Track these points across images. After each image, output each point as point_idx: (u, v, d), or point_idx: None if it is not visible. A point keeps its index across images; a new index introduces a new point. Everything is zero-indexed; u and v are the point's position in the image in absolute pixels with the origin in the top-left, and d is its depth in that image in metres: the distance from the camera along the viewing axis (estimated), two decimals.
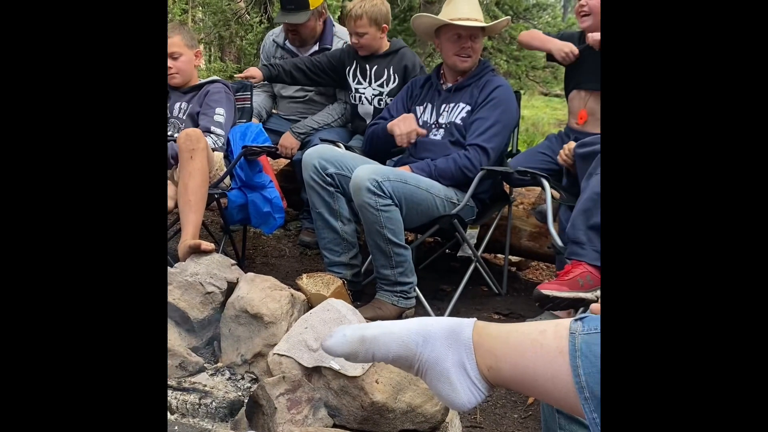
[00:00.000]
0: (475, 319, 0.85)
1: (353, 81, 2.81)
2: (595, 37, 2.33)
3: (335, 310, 1.64)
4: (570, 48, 2.43)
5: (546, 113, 9.29)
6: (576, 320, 0.78)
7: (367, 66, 2.79)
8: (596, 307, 0.99)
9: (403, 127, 2.26)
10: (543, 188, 1.85)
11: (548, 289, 1.67)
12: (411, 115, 2.35)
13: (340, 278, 2.06)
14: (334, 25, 2.99)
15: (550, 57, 2.64)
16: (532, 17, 5.68)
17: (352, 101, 2.85)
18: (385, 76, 2.76)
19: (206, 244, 1.83)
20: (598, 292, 1.54)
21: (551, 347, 0.76)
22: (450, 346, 0.82)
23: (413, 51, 2.97)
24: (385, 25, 2.72)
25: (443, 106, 2.39)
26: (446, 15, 2.33)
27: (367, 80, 2.79)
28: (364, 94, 2.80)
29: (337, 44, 2.93)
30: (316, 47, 2.92)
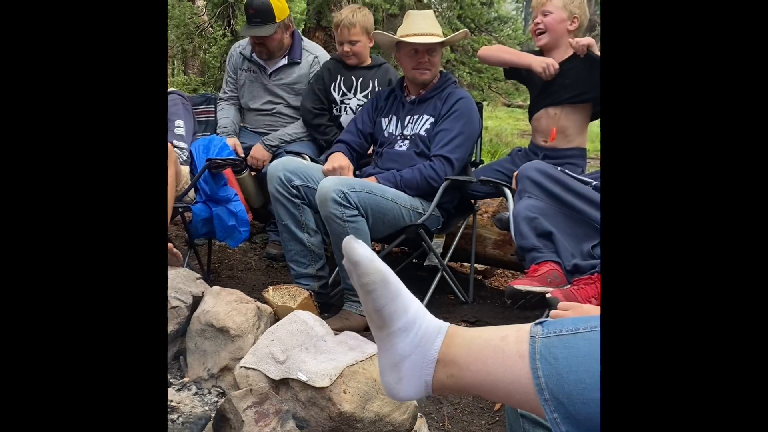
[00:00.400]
0: (448, 325, 0.86)
1: (338, 93, 2.83)
2: (580, 42, 2.30)
3: (302, 321, 1.64)
4: (551, 61, 2.34)
5: (509, 124, 9.45)
6: (536, 324, 0.81)
7: (353, 77, 2.82)
8: (555, 312, 1.02)
9: (330, 164, 2.30)
10: (505, 197, 1.89)
11: (520, 284, 1.70)
12: (339, 154, 2.37)
13: (307, 290, 2.06)
14: (302, 39, 3.00)
15: (509, 74, 2.66)
16: (494, 30, 5.78)
17: (335, 112, 2.86)
18: (370, 88, 2.79)
19: (174, 251, 1.82)
20: (563, 292, 1.59)
21: (512, 352, 0.78)
22: (417, 347, 0.84)
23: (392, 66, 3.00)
24: (372, 35, 2.77)
25: (407, 117, 2.42)
26: (403, 31, 2.36)
27: (353, 91, 2.81)
28: (348, 104, 2.82)
29: (306, 58, 2.93)
30: (284, 60, 2.92)
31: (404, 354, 0.85)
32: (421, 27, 2.34)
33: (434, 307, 2.43)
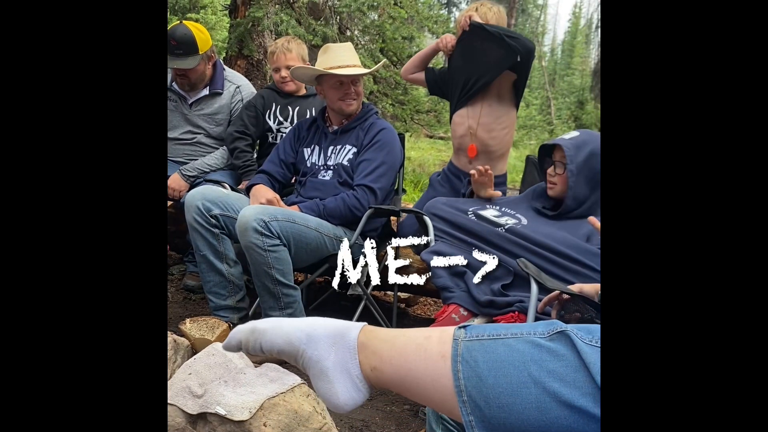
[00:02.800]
0: (365, 323, 0.87)
1: (273, 122, 2.81)
2: (466, 19, 2.47)
3: (221, 354, 1.59)
4: (449, 37, 2.57)
5: (431, 155, 9.68)
6: (460, 327, 0.82)
7: (289, 107, 2.81)
8: (479, 320, 1.04)
9: (256, 201, 2.27)
10: (425, 226, 1.92)
11: None
12: (261, 188, 2.36)
13: (227, 322, 2.00)
14: (224, 69, 2.97)
15: (432, 90, 2.76)
16: None
17: (270, 140, 2.83)
18: (307, 116, 2.78)
19: None
20: (475, 321, 1.61)
21: (434, 351, 0.79)
22: (333, 346, 0.84)
23: None
24: (307, 64, 2.77)
25: (330, 147, 2.43)
26: (324, 64, 2.37)
27: (289, 120, 2.80)
28: (284, 133, 2.80)
29: (228, 88, 2.90)
30: (206, 91, 2.88)
31: (323, 357, 0.84)
32: (343, 59, 2.38)
33: None
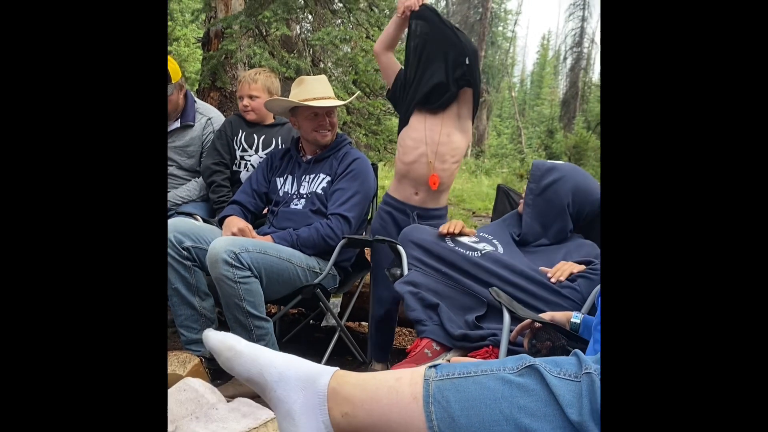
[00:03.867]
0: (337, 368, 0.87)
1: (238, 149, 2.80)
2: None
3: (192, 389, 1.56)
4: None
5: None
6: (430, 367, 0.82)
7: (255, 135, 2.80)
8: (455, 358, 1.05)
9: (228, 231, 2.26)
10: (398, 254, 1.92)
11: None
12: (233, 218, 2.34)
13: (198, 356, 1.97)
14: (195, 101, 2.96)
15: (391, 98, 2.50)
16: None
17: (235, 168, 2.82)
18: (273, 145, 2.78)
19: None
20: (448, 356, 1.61)
21: (406, 393, 0.79)
22: (303, 389, 0.83)
23: None
24: (275, 96, 2.78)
25: (304, 177, 2.44)
26: (299, 96, 2.39)
27: (254, 148, 2.79)
28: (249, 161, 2.79)
29: (199, 120, 2.89)
30: (177, 124, 2.86)
31: (291, 399, 0.84)
32: (318, 91, 2.40)
33: None
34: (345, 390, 0.83)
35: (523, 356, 0.80)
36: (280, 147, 2.77)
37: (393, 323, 2.44)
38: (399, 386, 0.81)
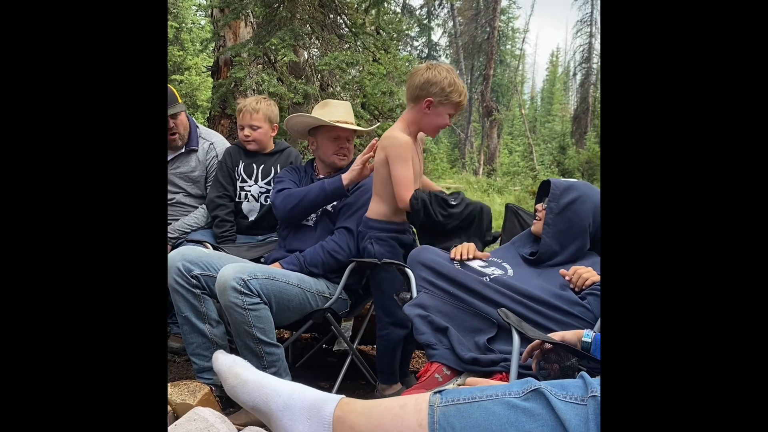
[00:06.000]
0: (342, 396, 0.86)
1: (238, 179, 2.82)
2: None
3: (202, 419, 1.55)
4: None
5: None
6: (435, 393, 0.81)
7: (254, 164, 2.82)
8: (470, 379, 1.03)
9: None
10: (406, 277, 1.91)
11: None
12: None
13: (209, 384, 1.96)
14: (198, 127, 2.99)
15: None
16: (396, 117, 6.04)
17: (236, 199, 2.84)
18: (272, 174, 2.80)
19: None
20: (459, 380, 1.59)
21: (411, 420, 0.78)
22: (308, 418, 0.83)
23: (295, 149, 3.03)
24: (276, 124, 2.80)
25: None
26: (324, 117, 2.42)
27: (253, 178, 2.81)
28: (249, 191, 2.80)
29: (202, 145, 2.92)
30: (182, 149, 2.90)
31: (297, 428, 0.83)
32: (342, 115, 2.44)
33: (345, 393, 2.34)
34: (350, 418, 0.83)
35: (529, 380, 0.79)
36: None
37: (412, 347, 2.44)
38: (404, 413, 0.80)
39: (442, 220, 2.14)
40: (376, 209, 2.27)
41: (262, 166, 2.82)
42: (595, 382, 0.77)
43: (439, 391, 0.82)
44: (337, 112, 2.45)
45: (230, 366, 0.91)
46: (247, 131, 2.78)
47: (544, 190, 2.10)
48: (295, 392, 0.88)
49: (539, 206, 2.06)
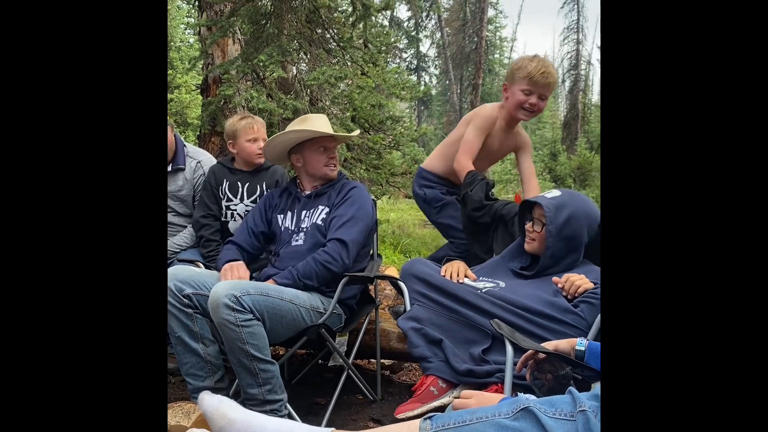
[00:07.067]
0: (332, 429, 0.86)
1: (223, 198, 2.81)
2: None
3: None
4: None
5: (411, 215, 9.76)
6: (425, 419, 0.81)
7: (239, 183, 2.81)
8: (459, 402, 1.03)
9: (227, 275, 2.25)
10: (400, 291, 1.91)
11: (403, 412, 1.70)
12: (239, 263, 2.34)
13: None
14: (185, 146, 2.98)
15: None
16: (387, 129, 6.06)
17: (222, 218, 2.83)
18: (258, 192, 2.79)
19: None
20: (455, 393, 1.58)
21: None
22: None
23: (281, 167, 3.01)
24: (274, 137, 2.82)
25: (303, 212, 2.44)
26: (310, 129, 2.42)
27: (239, 197, 2.79)
28: (235, 210, 2.79)
29: (189, 164, 2.91)
30: (168, 168, 2.88)
31: None
32: (323, 127, 2.43)
33: (342, 408, 2.36)
34: None
35: (518, 399, 0.79)
36: (265, 191, 2.78)
37: None
38: None
39: (475, 207, 2.22)
40: (433, 163, 2.44)
41: (248, 183, 2.81)
42: (584, 397, 0.77)
43: (429, 417, 0.82)
44: (318, 124, 2.44)
45: (216, 407, 0.90)
46: (261, 142, 2.77)
47: (528, 207, 2.09)
48: (283, 429, 0.87)
49: (528, 227, 2.05)
